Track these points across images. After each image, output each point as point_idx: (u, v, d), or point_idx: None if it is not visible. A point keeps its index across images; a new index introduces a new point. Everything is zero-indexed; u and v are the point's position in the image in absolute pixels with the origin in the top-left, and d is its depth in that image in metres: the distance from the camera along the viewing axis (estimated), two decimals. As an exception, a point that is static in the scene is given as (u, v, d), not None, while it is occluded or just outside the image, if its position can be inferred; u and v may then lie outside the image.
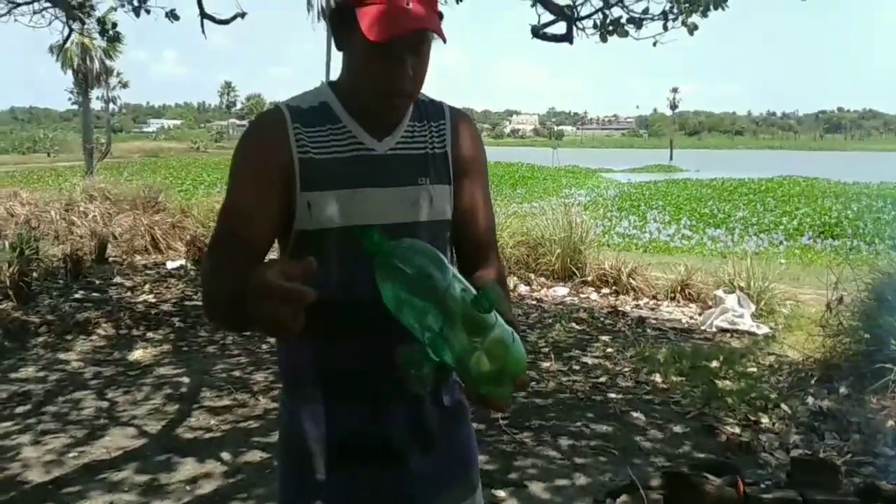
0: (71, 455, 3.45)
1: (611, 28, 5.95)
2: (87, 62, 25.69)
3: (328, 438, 1.24)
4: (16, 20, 7.34)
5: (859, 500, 2.75)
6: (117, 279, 7.35)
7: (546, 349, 5.33)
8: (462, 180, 1.32)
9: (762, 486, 3.03)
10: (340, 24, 1.20)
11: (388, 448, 1.24)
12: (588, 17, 5.95)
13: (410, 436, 1.26)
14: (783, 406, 4.09)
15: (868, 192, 21.56)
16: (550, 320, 6.16)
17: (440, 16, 1.20)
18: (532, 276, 7.71)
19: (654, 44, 6.02)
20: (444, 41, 1.18)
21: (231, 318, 1.16)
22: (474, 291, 0.96)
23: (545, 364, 4.99)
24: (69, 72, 26.28)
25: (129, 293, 6.83)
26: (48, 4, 7.39)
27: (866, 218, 15.10)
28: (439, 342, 0.95)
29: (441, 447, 1.29)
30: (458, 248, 1.37)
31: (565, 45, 5.96)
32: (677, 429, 3.87)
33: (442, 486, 1.30)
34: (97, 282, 7.19)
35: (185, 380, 4.59)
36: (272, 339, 5.43)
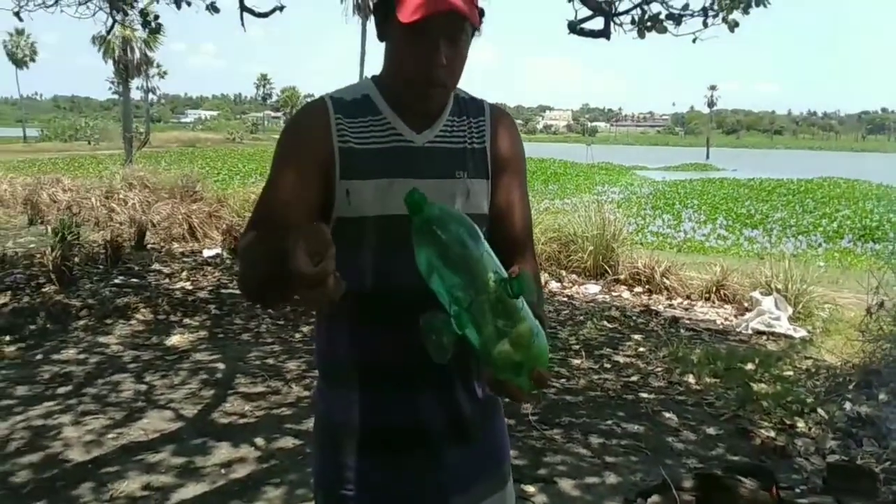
0: (110, 436, 3.53)
1: (649, 24, 5.87)
2: (128, 53, 26.19)
3: (363, 427, 1.26)
4: (62, 11, 7.52)
5: (898, 509, 2.70)
6: (155, 266, 7.50)
7: (577, 346, 5.30)
8: (500, 177, 1.33)
9: (797, 490, 2.99)
10: (382, 14, 1.22)
11: (422, 438, 1.26)
12: (626, 12, 5.88)
13: (444, 427, 1.27)
14: (820, 411, 4.02)
15: (911, 195, 21.00)
16: (582, 318, 6.13)
17: (481, 12, 1.21)
18: (563, 272, 7.68)
19: (694, 40, 5.93)
20: (477, 29, 1.20)
21: (265, 295, 1.18)
22: (505, 274, 0.96)
23: (576, 361, 4.97)
24: (110, 62, 26.84)
25: (166, 280, 6.96)
26: (93, -5, 7.53)
27: (909, 221, 14.72)
28: (465, 316, 0.96)
29: (474, 439, 1.31)
30: (494, 245, 1.36)
31: (602, 40, 5.91)
32: (710, 431, 3.83)
33: (473, 478, 1.31)
34: (136, 268, 7.35)
35: (221, 366, 4.67)
36: (306, 329, 5.52)
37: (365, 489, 1.26)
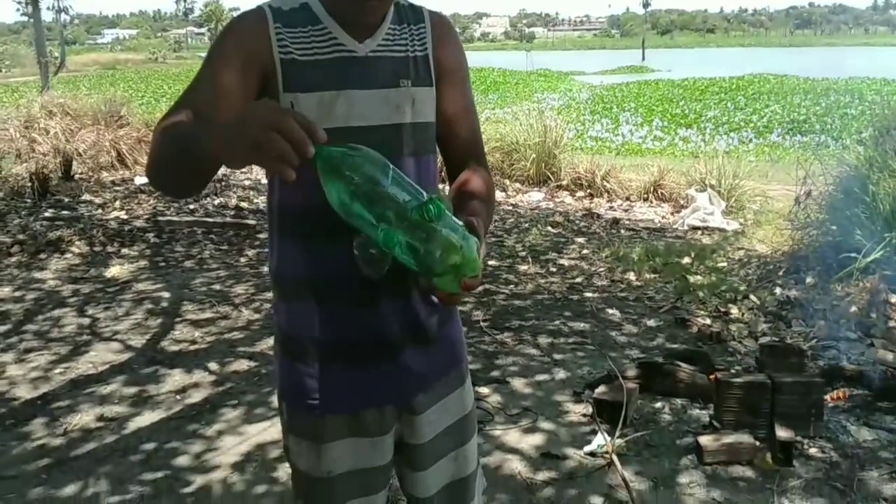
0: (57, 371, 3.48)
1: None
2: (32, -32, 24.19)
3: (323, 338, 1.27)
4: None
5: (823, 381, 2.91)
6: (86, 196, 7.21)
7: (523, 253, 5.40)
8: (444, 84, 1.31)
9: (732, 371, 3.18)
10: None
11: (383, 346, 1.28)
12: None
13: (403, 333, 1.29)
14: (752, 297, 4.24)
15: (836, 87, 21.58)
16: (527, 225, 6.22)
17: None
18: (507, 181, 7.73)
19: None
20: None
21: (188, 169, 1.06)
22: (424, 196, 0.99)
23: (523, 267, 5.07)
24: (13, -20, 24.78)
25: (99, 210, 6.71)
26: None
27: (834, 113, 15.19)
28: (391, 238, 0.98)
29: (432, 341, 1.34)
30: (444, 152, 1.37)
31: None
32: (651, 323, 4.01)
33: (434, 377, 1.35)
34: (66, 200, 7.06)
35: (165, 294, 4.59)
36: (251, 253, 5.45)
37: (329, 397, 1.28)
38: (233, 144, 0.95)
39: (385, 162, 1.01)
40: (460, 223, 1.01)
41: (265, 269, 5.06)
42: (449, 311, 1.39)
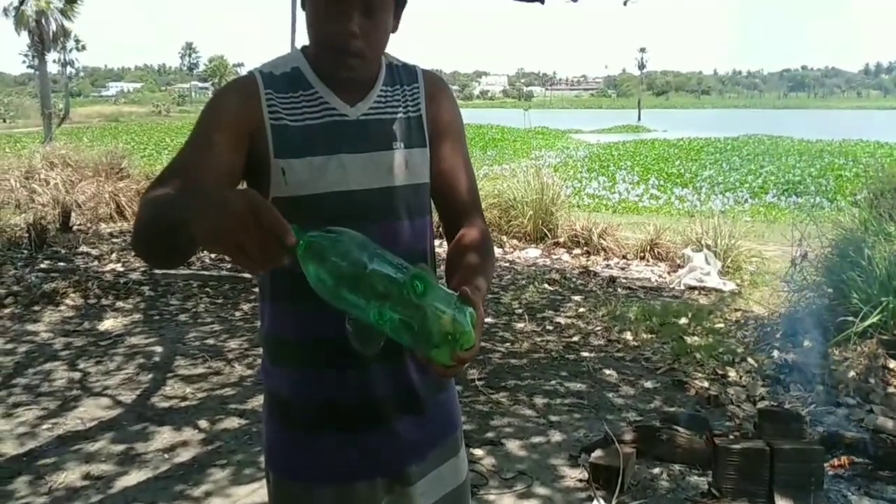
0: (44, 427, 3.42)
1: (581, -13, 5.90)
2: (44, 24, 24.78)
3: (312, 403, 1.25)
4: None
5: (823, 448, 2.86)
6: (83, 248, 7.21)
7: (520, 310, 5.38)
8: (439, 143, 1.32)
9: (731, 436, 3.13)
10: None
11: (374, 412, 1.25)
12: (558, -24, 5.88)
13: (395, 399, 1.26)
14: (750, 360, 4.21)
15: (830, 149, 21.94)
16: (524, 281, 6.22)
17: None
18: (504, 238, 7.75)
19: (625, 3, 6.02)
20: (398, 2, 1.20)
21: (172, 228, 0.98)
22: (410, 269, 0.97)
23: (519, 325, 5.05)
24: (24, 34, 25.35)
25: (95, 262, 6.71)
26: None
27: (829, 175, 15.38)
28: (380, 318, 0.97)
29: (425, 410, 1.31)
30: (441, 209, 1.37)
31: (536, 5, 5.91)
32: (648, 384, 3.96)
33: (427, 447, 1.31)
34: (62, 251, 7.06)
35: (158, 349, 4.55)
36: (246, 307, 5.42)
37: (317, 467, 1.25)
38: (216, 242, 0.91)
39: (365, 240, 0.99)
40: (453, 293, 1.01)
41: (260, 323, 5.03)
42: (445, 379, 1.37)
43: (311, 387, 1.25)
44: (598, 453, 2.93)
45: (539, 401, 3.73)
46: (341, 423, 1.25)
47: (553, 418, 3.51)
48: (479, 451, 3.12)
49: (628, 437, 3.05)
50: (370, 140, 1.24)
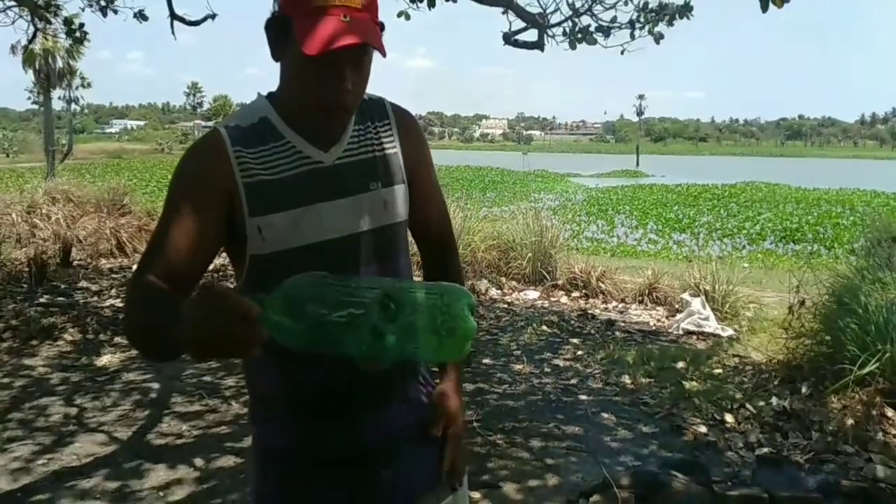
0: (39, 462, 3.39)
1: (580, 36, 6.04)
2: (50, 62, 25.18)
3: (301, 453, 1.24)
4: (-21, 19, 7.21)
5: (822, 497, 2.84)
6: (83, 283, 7.22)
7: (518, 352, 5.38)
8: (415, 177, 1.32)
9: (729, 483, 3.12)
10: (277, 33, 1.16)
11: (363, 459, 1.24)
12: (558, 24, 6.03)
13: (384, 445, 1.26)
14: (748, 406, 4.20)
15: (827, 197, 22.13)
16: (522, 323, 6.22)
17: (381, 26, 1.18)
18: (503, 279, 7.77)
19: (622, 52, 6.15)
20: (384, 55, 1.16)
21: (162, 340, 1.05)
22: (370, 289, 1.01)
23: (517, 366, 5.04)
24: (30, 71, 25.75)
25: (95, 297, 6.71)
26: (13, 3, 7.24)
27: (826, 223, 15.49)
28: (376, 353, 1.01)
29: (415, 454, 1.30)
30: (419, 241, 1.41)
31: (536, 51, 6.04)
32: (646, 429, 3.95)
33: (419, 490, 1.30)
34: (62, 286, 7.07)
35: (155, 385, 4.53)
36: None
37: None
38: (202, 356, 0.97)
39: (319, 282, 1.00)
40: (427, 285, 1.06)
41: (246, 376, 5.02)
42: (434, 415, 1.36)
43: (298, 437, 1.24)
44: (595, 498, 2.91)
45: (536, 443, 3.71)
46: (330, 473, 1.24)
47: (550, 461, 3.49)
48: (475, 494, 3.10)
49: (626, 482, 3.03)
50: (347, 185, 1.22)
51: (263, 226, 1.16)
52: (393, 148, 1.28)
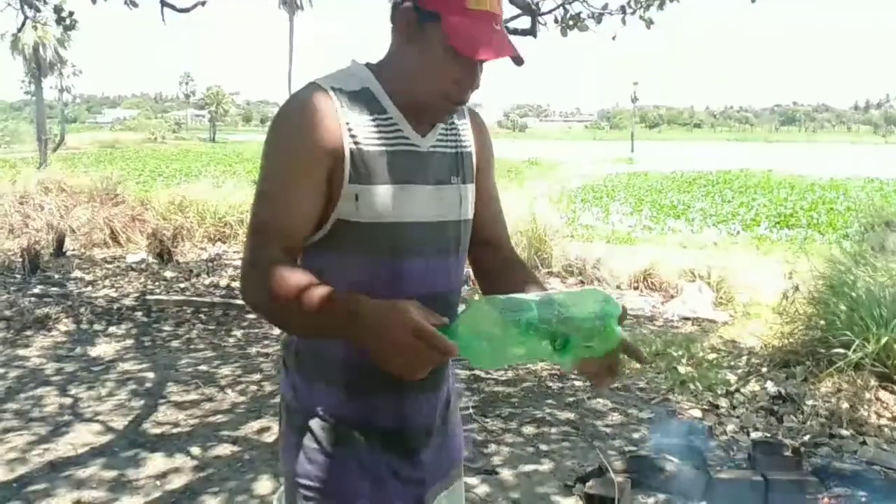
0: (35, 452, 3.38)
1: (571, 23, 6.02)
2: (41, 51, 24.98)
3: (347, 424, 1.24)
4: (-35, 7, 7.11)
5: (817, 479, 2.86)
6: (76, 273, 7.20)
7: (513, 339, 5.38)
8: (480, 178, 1.37)
9: (725, 467, 3.13)
10: (412, 19, 1.18)
11: (405, 437, 1.27)
12: (549, 12, 6.00)
13: (424, 427, 1.30)
14: (743, 391, 4.22)
15: (821, 183, 22.16)
16: (517, 310, 6.23)
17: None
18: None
19: (614, 38, 6.15)
20: (521, 66, 1.25)
21: (313, 322, 1.11)
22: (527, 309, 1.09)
23: (512, 354, 5.04)
24: (20, 60, 25.55)
25: (89, 287, 6.69)
26: (1, -9, 7.15)
27: (820, 209, 15.52)
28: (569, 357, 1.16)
29: (445, 434, 1.35)
30: (479, 242, 1.40)
31: (529, 38, 6.01)
32: (642, 414, 3.96)
33: (445, 470, 1.36)
34: (56, 276, 7.04)
35: (150, 375, 4.53)
36: (238, 333, 5.41)
37: (346, 482, 1.25)
38: (383, 364, 1.04)
39: (496, 317, 1.07)
40: (584, 301, 1.16)
41: (253, 350, 5.03)
42: (456, 403, 1.42)
43: (346, 408, 1.24)
44: (591, 483, 2.92)
45: (531, 429, 3.72)
46: (372, 447, 1.25)
47: (545, 447, 3.51)
48: (472, 480, 3.11)
49: (621, 466, 3.05)
50: (435, 173, 1.25)
51: (361, 194, 1.17)
52: (469, 147, 1.34)
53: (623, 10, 5.90)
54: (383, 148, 1.20)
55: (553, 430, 3.73)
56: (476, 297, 1.23)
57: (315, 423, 1.26)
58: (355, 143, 1.17)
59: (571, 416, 3.92)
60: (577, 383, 4.45)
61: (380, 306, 1.05)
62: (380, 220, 1.19)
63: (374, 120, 1.20)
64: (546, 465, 3.31)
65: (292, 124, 1.18)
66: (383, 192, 1.18)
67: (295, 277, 1.11)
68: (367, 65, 1.25)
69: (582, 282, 7.42)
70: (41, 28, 21.68)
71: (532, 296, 1.15)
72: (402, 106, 1.22)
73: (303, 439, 1.27)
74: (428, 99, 1.21)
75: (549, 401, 4.14)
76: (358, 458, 1.25)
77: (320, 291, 1.09)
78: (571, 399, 4.17)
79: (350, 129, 1.17)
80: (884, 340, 4.04)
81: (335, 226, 1.19)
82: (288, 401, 1.31)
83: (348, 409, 1.25)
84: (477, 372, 4.59)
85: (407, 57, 1.21)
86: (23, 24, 8.40)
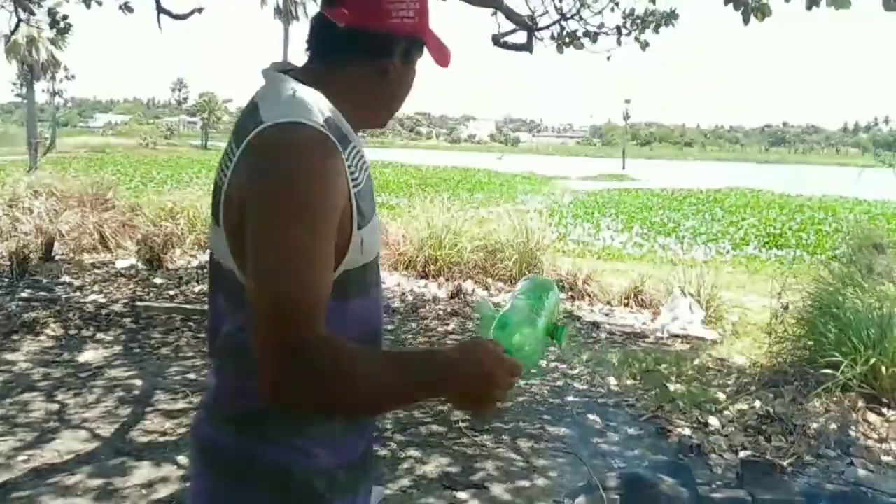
0: (20, 458, 3.35)
1: (567, 40, 6.07)
2: (34, 53, 24.89)
3: (330, 468, 1.15)
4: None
5: (804, 500, 2.87)
6: (65, 278, 7.15)
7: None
8: None
9: (713, 486, 3.14)
10: (405, 52, 1.19)
11: (364, 469, 1.24)
12: (546, 28, 6.05)
13: (370, 454, 1.29)
14: (731, 409, 4.23)
15: (810, 204, 22.35)
16: (507, 325, 6.23)
17: None
18: (490, 280, 7.79)
19: (608, 58, 6.19)
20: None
21: (398, 391, 1.05)
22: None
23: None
24: (13, 62, 25.45)
25: (77, 293, 6.64)
26: (-4, -7, 7.15)
27: (809, 229, 15.65)
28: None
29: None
30: None
31: (524, 53, 6.06)
32: (632, 431, 3.97)
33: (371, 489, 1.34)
34: (44, 280, 6.99)
35: (138, 382, 4.49)
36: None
37: None
38: (471, 407, 1.10)
39: (525, 311, 1.18)
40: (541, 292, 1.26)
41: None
42: None
43: (331, 452, 1.14)
44: (582, 500, 2.91)
45: (523, 444, 3.72)
46: (355, 478, 1.21)
47: (537, 462, 3.50)
48: (463, 495, 3.10)
49: (612, 483, 3.05)
50: None
51: (365, 237, 1.09)
52: None
53: (619, 30, 5.96)
54: (366, 181, 1.12)
55: (546, 445, 3.72)
56: (483, 306, 1.26)
57: (314, 479, 1.13)
58: (355, 184, 1.08)
59: (565, 431, 3.91)
60: (569, 399, 4.46)
61: (464, 347, 1.08)
62: (371, 257, 1.13)
63: (352, 151, 1.10)
64: (539, 481, 3.30)
65: (320, 175, 1.02)
66: (373, 228, 1.12)
67: (359, 351, 1.06)
68: (317, 92, 1.11)
69: (573, 297, 7.44)
70: (35, 31, 21.64)
71: (517, 299, 1.21)
72: (357, 130, 1.16)
73: (319, 493, 1.14)
74: (376, 123, 1.24)
75: (544, 416, 4.14)
76: (353, 491, 1.21)
77: (394, 356, 1.14)
78: (566, 415, 4.16)
79: (350, 171, 1.07)
80: (872, 362, 4.08)
81: (340, 277, 1.08)
82: (263, 459, 1.11)
83: (334, 453, 1.15)
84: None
85: (371, 87, 1.18)
86: (16, 27, 8.39)
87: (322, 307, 1.01)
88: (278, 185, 1.01)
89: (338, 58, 1.17)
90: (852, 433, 3.79)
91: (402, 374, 1.04)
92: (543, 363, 4.33)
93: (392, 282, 7.55)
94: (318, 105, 1.08)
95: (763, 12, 4.45)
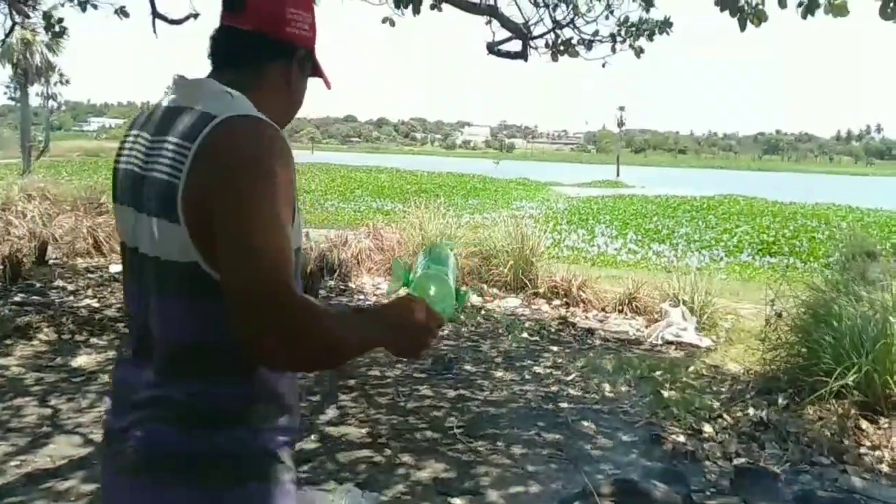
0: (12, 463, 3.33)
1: (562, 48, 6.10)
2: (29, 57, 24.82)
3: (285, 447, 1.25)
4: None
5: (798, 507, 2.88)
6: (59, 282, 7.12)
7: (499, 359, 5.39)
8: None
9: (707, 493, 3.15)
10: (305, 67, 1.32)
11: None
12: (541, 36, 6.08)
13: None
14: (725, 416, 4.25)
15: (804, 211, 22.43)
16: (502, 331, 6.24)
17: None
18: (484, 286, 7.79)
19: (603, 65, 6.24)
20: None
21: (360, 343, 1.18)
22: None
23: (498, 373, 5.05)
24: (8, 66, 25.37)
25: (71, 297, 6.62)
26: (-8, -3, 7.14)
27: (802, 237, 15.71)
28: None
29: None
30: None
31: (519, 61, 6.08)
32: (625, 438, 3.97)
33: None
34: (37, 285, 6.96)
35: (132, 387, 4.47)
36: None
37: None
38: (408, 352, 1.22)
39: (437, 272, 1.36)
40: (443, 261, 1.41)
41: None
42: None
43: (289, 433, 1.26)
44: (576, 506, 2.92)
45: (517, 450, 3.72)
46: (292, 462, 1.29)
47: (531, 469, 3.50)
48: (457, 501, 3.10)
49: (606, 490, 3.05)
50: None
51: (298, 224, 1.20)
52: None
53: (613, 38, 5.99)
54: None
55: (540, 451, 3.72)
56: (398, 264, 1.40)
57: (280, 454, 1.22)
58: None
59: (559, 437, 3.92)
60: (563, 405, 4.46)
61: (400, 302, 1.20)
62: (297, 244, 1.21)
63: None
64: (533, 488, 3.30)
65: (286, 156, 1.14)
66: (299, 219, 1.21)
67: (328, 310, 1.20)
68: (243, 97, 1.19)
69: (567, 303, 7.45)
70: (30, 34, 21.59)
71: (426, 265, 1.38)
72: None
73: (274, 472, 1.20)
74: (289, 121, 1.36)
75: (539, 422, 4.14)
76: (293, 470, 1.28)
77: (351, 311, 1.25)
78: (560, 421, 4.17)
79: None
80: (865, 370, 4.09)
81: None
82: (255, 439, 1.20)
83: (290, 434, 1.26)
84: (464, 392, 4.59)
85: (279, 94, 1.30)
86: (11, 30, 8.38)
87: (290, 268, 1.12)
88: (258, 159, 1.10)
89: (250, 62, 1.26)
90: (846, 441, 3.81)
91: (359, 329, 1.16)
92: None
93: (387, 287, 7.55)
94: (250, 107, 1.18)
95: (759, 18, 4.48)
